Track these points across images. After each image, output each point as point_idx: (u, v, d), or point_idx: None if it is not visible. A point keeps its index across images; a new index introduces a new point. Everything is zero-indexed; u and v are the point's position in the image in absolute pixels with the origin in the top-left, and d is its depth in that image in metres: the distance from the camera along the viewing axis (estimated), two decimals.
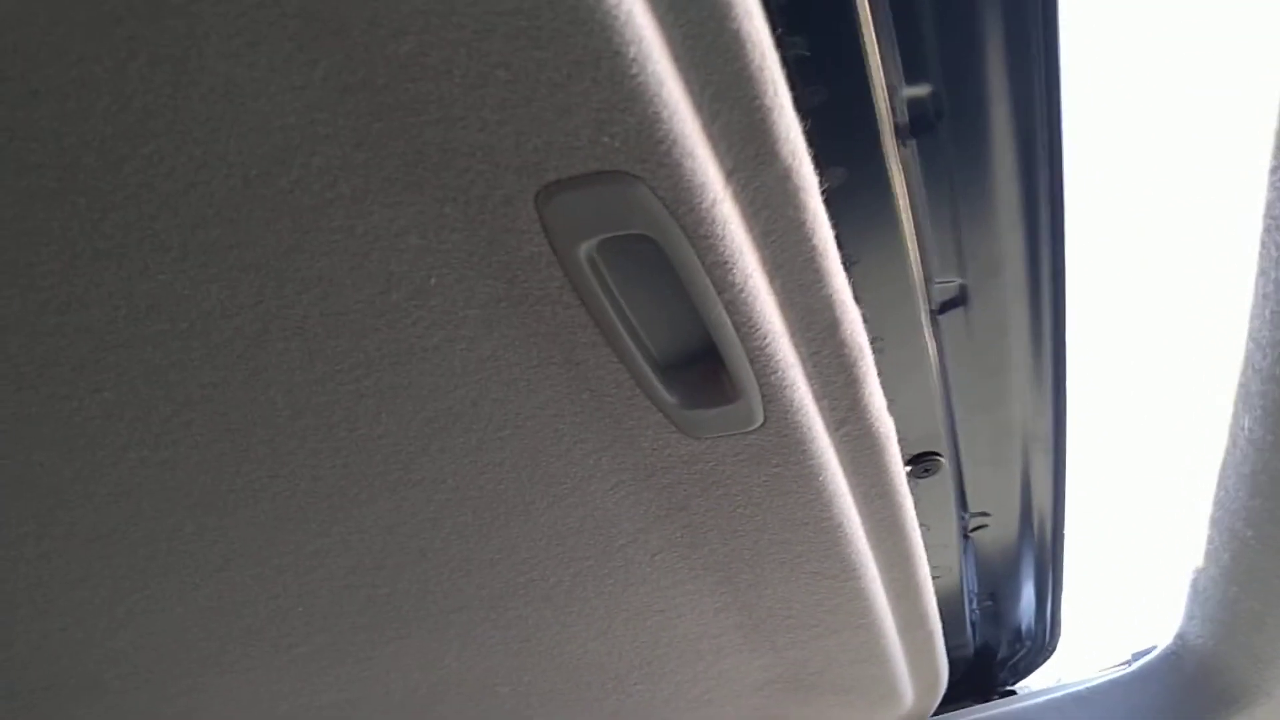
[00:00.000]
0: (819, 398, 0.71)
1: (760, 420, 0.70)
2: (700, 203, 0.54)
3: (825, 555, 0.86)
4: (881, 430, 0.77)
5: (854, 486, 0.81)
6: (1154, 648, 1.31)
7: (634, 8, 0.47)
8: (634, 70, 0.48)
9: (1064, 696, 1.31)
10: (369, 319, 0.62)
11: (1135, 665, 1.32)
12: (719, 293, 0.59)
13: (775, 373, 0.66)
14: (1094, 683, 1.32)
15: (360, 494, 0.74)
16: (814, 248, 0.61)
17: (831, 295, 0.65)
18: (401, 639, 0.88)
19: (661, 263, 0.58)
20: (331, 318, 0.61)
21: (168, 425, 0.66)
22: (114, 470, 0.69)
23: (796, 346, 0.66)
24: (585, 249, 0.58)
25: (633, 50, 0.48)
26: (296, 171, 0.54)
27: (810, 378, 0.69)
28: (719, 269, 0.58)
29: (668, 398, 0.67)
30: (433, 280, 0.60)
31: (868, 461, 0.79)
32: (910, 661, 1.08)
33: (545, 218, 0.56)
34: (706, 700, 1.07)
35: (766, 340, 0.64)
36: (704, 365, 0.66)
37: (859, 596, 0.92)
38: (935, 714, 1.47)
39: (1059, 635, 1.39)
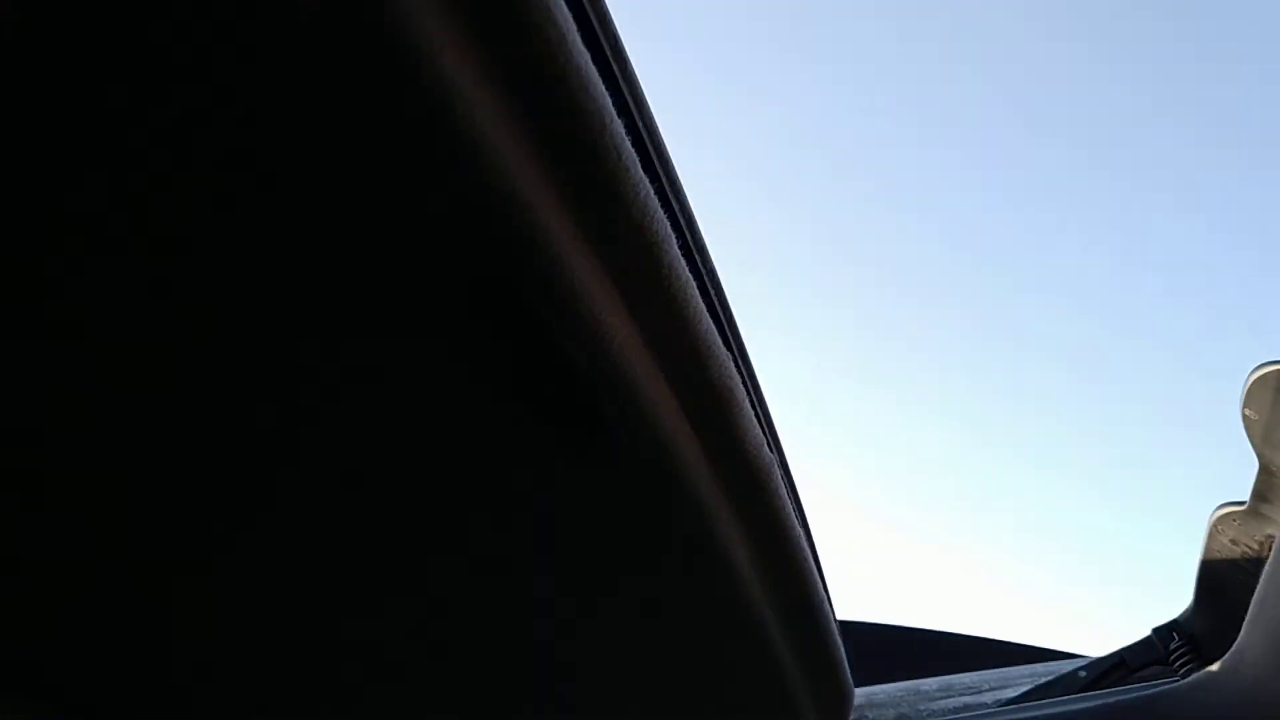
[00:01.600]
0: (691, 437, 0.74)
1: (632, 458, 0.72)
2: (550, 249, 0.56)
3: (708, 580, 0.89)
4: (760, 466, 0.80)
5: (735, 519, 0.84)
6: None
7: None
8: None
9: (1117, 703, 1.33)
10: None
11: (1192, 677, 1.33)
12: (576, 333, 0.61)
13: (642, 413, 0.68)
14: (1149, 691, 1.34)
15: None
16: (671, 295, 0.64)
17: (697, 338, 0.68)
18: None
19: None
20: None
21: None
22: None
23: (664, 387, 0.69)
24: None
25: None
26: None
27: (682, 417, 0.72)
28: (570, 312, 0.60)
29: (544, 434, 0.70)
30: None
31: (749, 496, 0.82)
32: (807, 675, 1.10)
33: None
34: None
35: (630, 381, 0.66)
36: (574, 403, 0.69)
37: (746, 622, 0.95)
38: (983, 707, 1.50)
39: None
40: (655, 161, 0.63)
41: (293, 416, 0.64)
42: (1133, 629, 1.66)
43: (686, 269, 0.64)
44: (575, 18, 0.53)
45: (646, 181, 0.58)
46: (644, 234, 0.59)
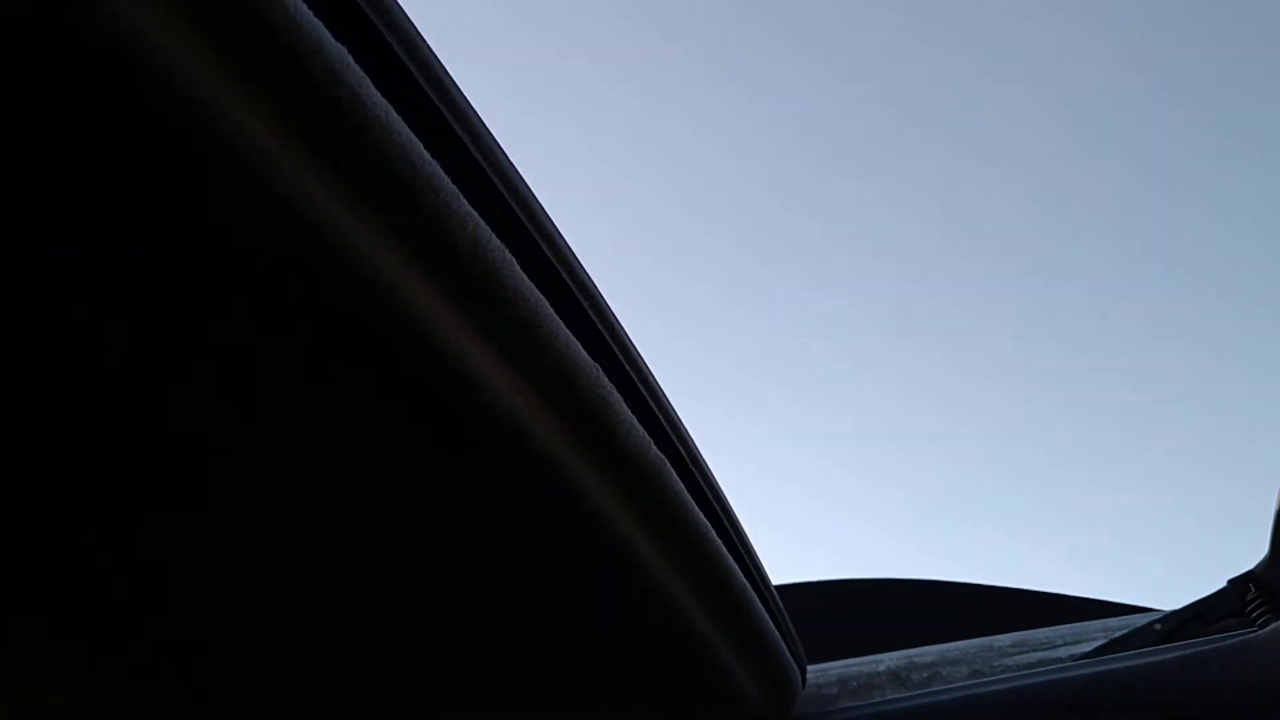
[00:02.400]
0: (576, 448, 0.77)
1: (513, 467, 0.76)
2: (385, 282, 0.60)
3: (618, 581, 0.92)
4: (648, 468, 0.83)
5: (634, 520, 0.86)
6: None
7: None
8: None
9: (1195, 654, 1.33)
10: None
11: (1270, 628, 1.33)
12: (431, 360, 0.65)
13: (515, 425, 0.72)
14: (1228, 642, 1.33)
15: None
16: (519, 318, 0.67)
17: (557, 354, 0.71)
18: None
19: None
20: None
21: None
22: None
23: (536, 403, 0.72)
24: None
25: None
26: None
27: (559, 428, 0.75)
28: (420, 339, 0.64)
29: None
30: None
31: (645, 498, 0.85)
32: (743, 662, 1.11)
33: None
34: None
35: (496, 396, 0.70)
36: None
37: (662, 617, 0.97)
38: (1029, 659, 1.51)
39: None
40: (499, 189, 0.66)
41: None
42: (1205, 583, 1.66)
43: (534, 290, 0.68)
44: (380, 60, 0.56)
45: (475, 214, 0.61)
46: (477, 264, 0.63)
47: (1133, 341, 4.40)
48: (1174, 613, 1.56)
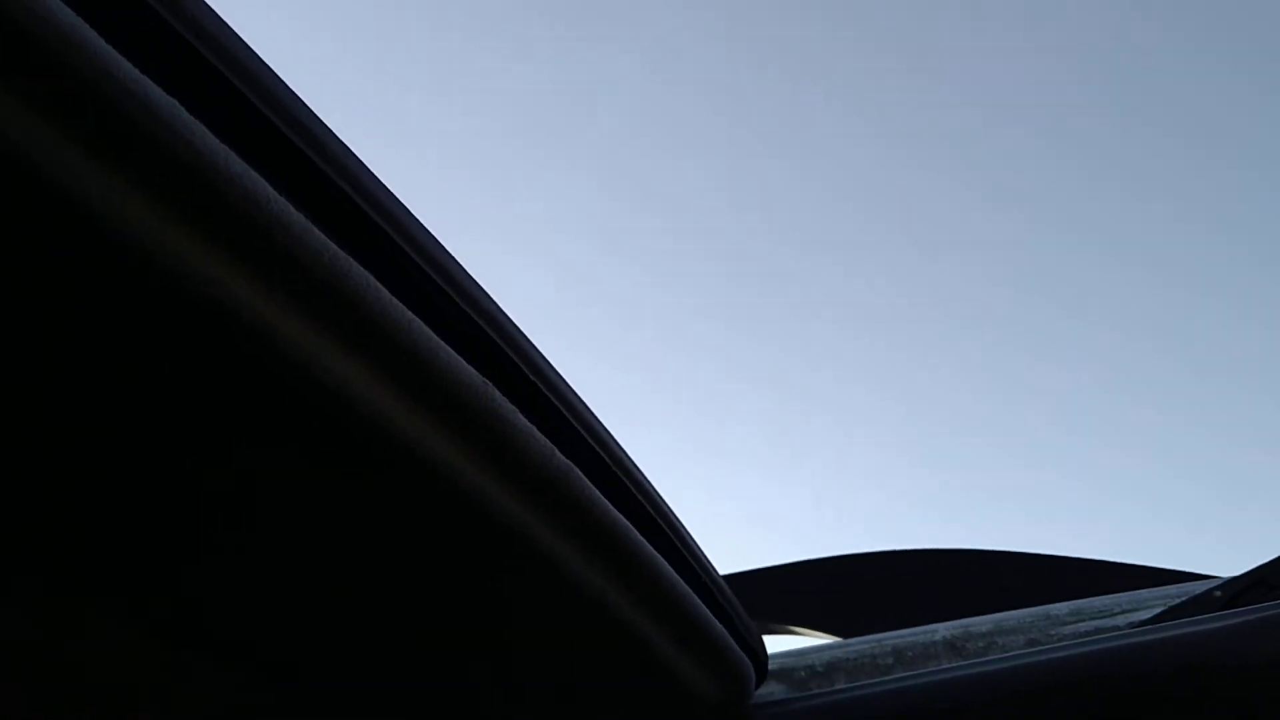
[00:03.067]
0: (473, 464, 0.79)
1: (418, 485, 0.79)
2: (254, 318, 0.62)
3: (543, 587, 0.94)
4: (553, 476, 0.84)
5: (549, 527, 0.88)
6: None
7: None
8: None
9: (1260, 619, 1.31)
10: None
11: None
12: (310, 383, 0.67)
13: (413, 449, 0.74)
14: (1255, 615, 1.31)
15: None
16: (393, 340, 0.68)
17: (439, 374, 0.72)
18: None
19: None
20: None
21: None
22: None
23: (428, 421, 0.74)
24: None
25: None
26: None
27: (457, 446, 0.77)
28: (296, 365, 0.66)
29: None
30: None
31: (555, 505, 0.86)
32: (682, 656, 1.12)
33: None
34: None
35: (386, 421, 0.71)
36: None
37: (599, 620, 0.99)
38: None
39: None
40: (364, 211, 0.68)
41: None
42: (1266, 549, 1.64)
43: (404, 311, 0.69)
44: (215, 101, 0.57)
45: (332, 245, 0.63)
46: (339, 293, 0.64)
47: (1176, 307, 4.34)
48: (1235, 579, 1.55)
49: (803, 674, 1.62)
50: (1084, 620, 1.75)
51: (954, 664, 1.56)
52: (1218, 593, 1.58)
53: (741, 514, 4.33)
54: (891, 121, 4.33)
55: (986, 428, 4.35)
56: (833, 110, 4.29)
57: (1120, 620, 1.71)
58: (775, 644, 1.97)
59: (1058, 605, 1.79)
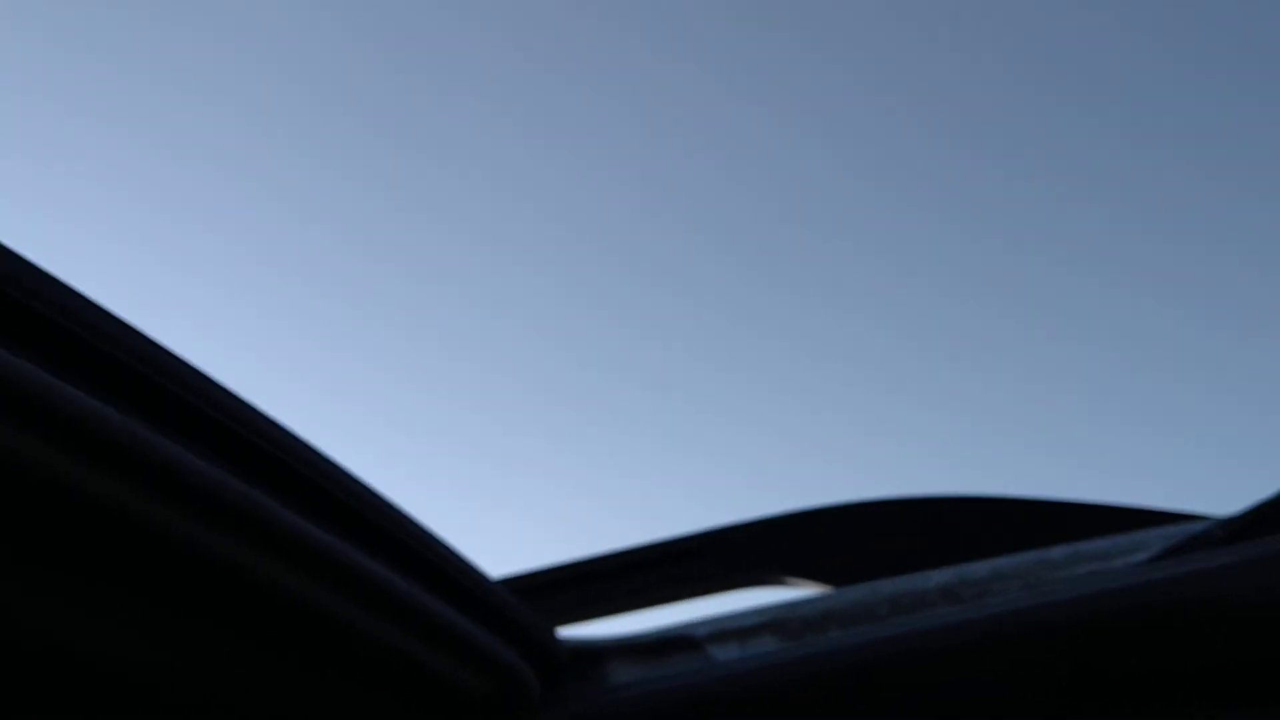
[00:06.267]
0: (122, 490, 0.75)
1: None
2: None
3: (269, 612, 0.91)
4: (203, 490, 0.80)
5: (238, 551, 0.86)
6: None
7: None
8: None
9: (1261, 555, 1.28)
10: None
11: None
12: None
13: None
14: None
15: None
16: None
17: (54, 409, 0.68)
18: None
19: None
20: None
21: None
22: None
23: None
24: None
25: None
26: None
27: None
28: None
29: None
30: None
31: (235, 531, 0.83)
32: (440, 664, 1.12)
33: None
34: None
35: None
36: None
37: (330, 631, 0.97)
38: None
39: None
40: None
41: None
42: (1264, 484, 1.60)
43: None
44: None
45: None
46: None
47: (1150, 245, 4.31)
48: (1235, 516, 1.52)
49: (796, 625, 1.60)
50: (1081, 563, 1.72)
51: (943, 610, 1.54)
52: (1219, 532, 1.55)
53: (740, 464, 4.33)
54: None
55: (971, 366, 4.34)
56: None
57: (1119, 563, 1.69)
58: (769, 596, 1.94)
59: (1055, 549, 1.77)
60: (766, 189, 4.37)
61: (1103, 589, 1.36)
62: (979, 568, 1.73)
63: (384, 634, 1.02)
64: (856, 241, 4.37)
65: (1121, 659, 1.27)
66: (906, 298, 4.40)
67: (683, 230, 4.32)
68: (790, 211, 4.32)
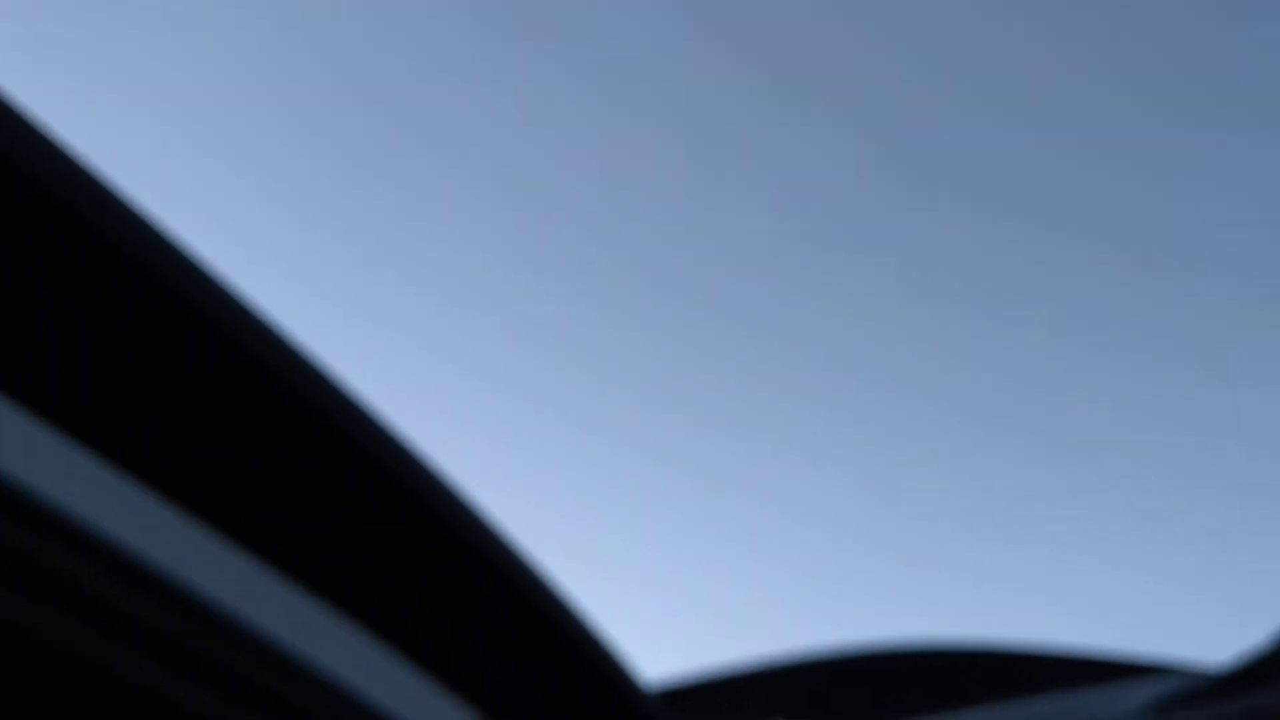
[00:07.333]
0: None
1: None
2: None
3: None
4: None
5: None
6: None
7: None
8: None
9: (1243, 710, 1.29)
10: None
11: None
12: None
13: None
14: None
15: None
16: None
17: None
18: None
19: None
20: None
21: None
22: None
23: None
24: None
25: None
26: None
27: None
28: None
29: None
30: None
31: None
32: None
33: None
34: None
35: None
36: None
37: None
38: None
39: None
40: None
41: None
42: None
43: None
44: None
45: None
46: None
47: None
48: (1223, 673, 1.53)
49: None
50: (1069, 718, 1.72)
51: None
52: (1205, 687, 1.56)
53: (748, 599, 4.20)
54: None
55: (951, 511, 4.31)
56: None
57: (1104, 718, 1.69)
58: None
59: (1040, 701, 1.76)
60: None
61: None
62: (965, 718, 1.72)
63: None
64: None
65: None
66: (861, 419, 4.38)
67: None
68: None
